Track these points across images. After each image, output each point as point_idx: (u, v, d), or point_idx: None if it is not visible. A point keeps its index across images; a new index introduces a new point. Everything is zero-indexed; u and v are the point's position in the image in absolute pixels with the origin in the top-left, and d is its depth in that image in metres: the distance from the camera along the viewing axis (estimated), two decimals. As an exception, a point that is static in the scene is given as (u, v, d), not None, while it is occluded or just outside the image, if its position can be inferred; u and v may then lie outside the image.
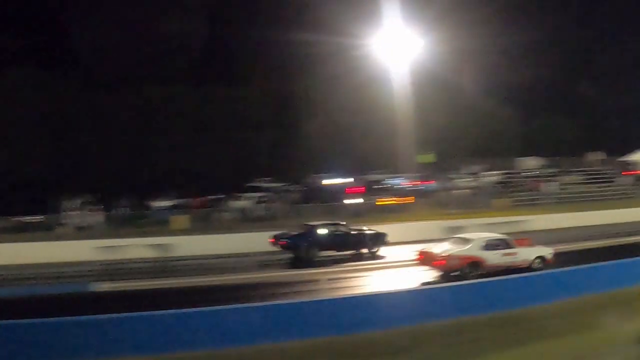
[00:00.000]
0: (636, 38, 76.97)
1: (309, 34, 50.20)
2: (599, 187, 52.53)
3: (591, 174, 55.71)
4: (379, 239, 30.57)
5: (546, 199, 46.29)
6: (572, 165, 56.63)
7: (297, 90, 57.31)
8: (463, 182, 49.88)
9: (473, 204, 43.17)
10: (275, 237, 29.26)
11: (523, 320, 16.82)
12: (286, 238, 28.79)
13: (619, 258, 22.31)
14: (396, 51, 45.26)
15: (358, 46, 47.26)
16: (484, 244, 24.10)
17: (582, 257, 25.34)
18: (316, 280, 23.58)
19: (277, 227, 34.85)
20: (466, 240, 24.30)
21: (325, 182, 45.83)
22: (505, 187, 49.02)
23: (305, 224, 30.27)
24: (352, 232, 30.22)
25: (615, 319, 14.28)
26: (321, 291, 21.59)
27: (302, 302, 17.40)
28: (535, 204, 44.78)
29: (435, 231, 34.85)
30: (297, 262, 28.16)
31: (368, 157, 55.60)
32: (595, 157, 61.97)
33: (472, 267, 23.33)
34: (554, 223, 37.18)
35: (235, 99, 55.94)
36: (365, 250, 30.29)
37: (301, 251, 28.49)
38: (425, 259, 24.29)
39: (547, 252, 25.39)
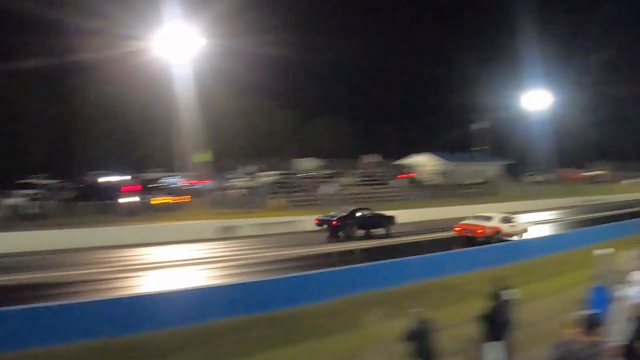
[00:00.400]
0: (416, 41, 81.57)
1: (90, 30, 48.23)
2: (374, 189, 54.71)
3: (367, 176, 57.88)
4: (392, 221, 37.71)
5: (323, 200, 47.12)
6: (349, 167, 58.45)
7: (75, 86, 55.29)
8: (239, 181, 50.51)
9: (248, 203, 43.58)
10: (319, 219, 36.39)
11: (295, 319, 17.07)
12: (335, 219, 35.39)
13: (391, 258, 23.55)
14: (177, 49, 44.95)
15: (139, 43, 46.10)
16: (500, 218, 34.29)
17: (356, 256, 25.76)
18: (90, 281, 22.04)
19: (50, 226, 33.29)
20: (488, 217, 34.05)
21: (101, 179, 43.78)
22: (282, 188, 49.83)
23: (346, 208, 37.16)
24: (376, 215, 37.38)
25: (382, 318, 14.47)
26: (99, 291, 20.18)
27: (71, 304, 16.15)
28: (311, 204, 45.64)
29: (209, 230, 35.33)
30: (342, 238, 34.83)
31: (145, 155, 54.76)
32: (371, 159, 64.71)
33: (495, 234, 32.86)
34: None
35: (8, 93, 52.90)
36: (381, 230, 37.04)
37: (347, 229, 35.19)
38: (465, 230, 33.33)
39: (528, 225, 36.45)
